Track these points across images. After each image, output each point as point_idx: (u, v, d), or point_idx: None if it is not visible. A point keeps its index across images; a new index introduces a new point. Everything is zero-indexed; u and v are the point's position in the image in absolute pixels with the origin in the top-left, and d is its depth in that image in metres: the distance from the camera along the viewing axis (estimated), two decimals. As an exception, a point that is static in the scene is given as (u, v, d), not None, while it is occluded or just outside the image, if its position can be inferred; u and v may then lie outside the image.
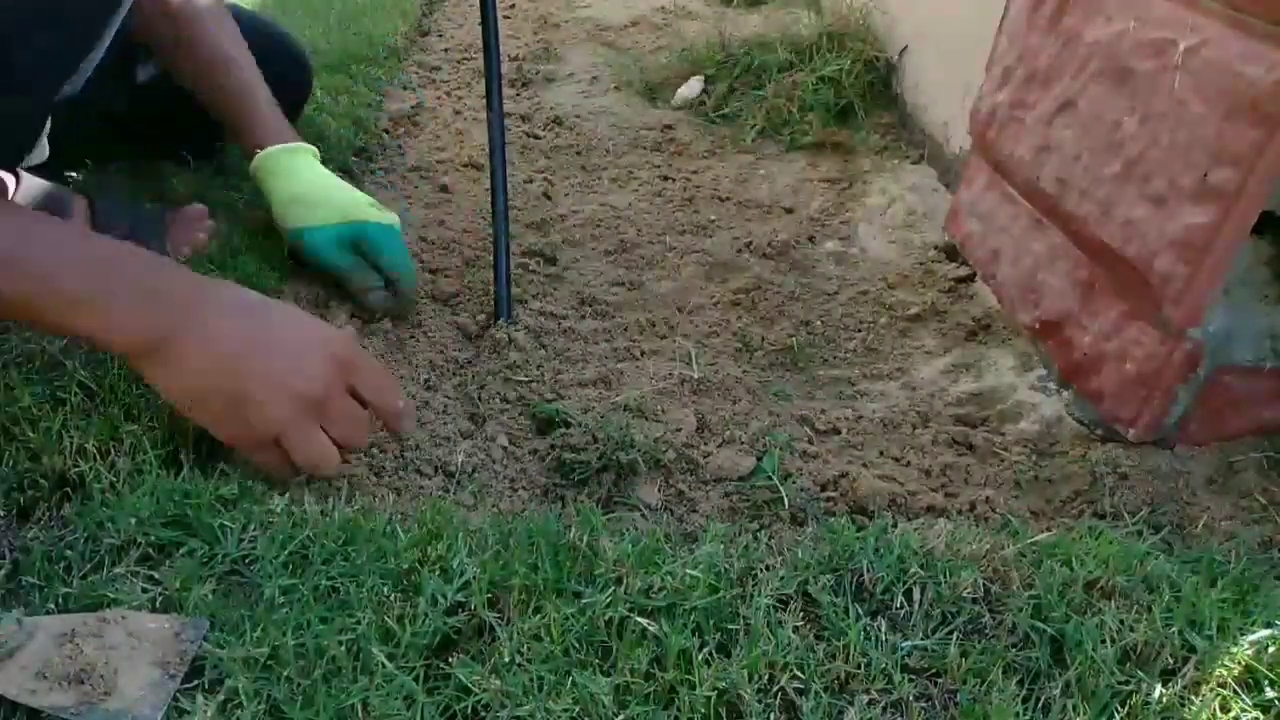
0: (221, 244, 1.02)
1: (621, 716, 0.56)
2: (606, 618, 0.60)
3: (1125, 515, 0.79)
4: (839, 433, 0.94)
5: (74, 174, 1.09)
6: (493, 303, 1.01)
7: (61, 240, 0.65)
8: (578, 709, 0.56)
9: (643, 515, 0.80)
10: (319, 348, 0.70)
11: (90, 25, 0.77)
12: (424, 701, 0.56)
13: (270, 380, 0.67)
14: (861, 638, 0.60)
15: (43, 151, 0.94)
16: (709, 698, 0.56)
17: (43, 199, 0.94)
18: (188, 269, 0.71)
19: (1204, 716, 0.57)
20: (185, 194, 1.13)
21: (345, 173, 1.27)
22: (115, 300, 0.65)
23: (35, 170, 0.97)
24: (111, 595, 0.62)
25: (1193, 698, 0.58)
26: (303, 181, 0.99)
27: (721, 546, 0.67)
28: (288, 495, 0.72)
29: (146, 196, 1.10)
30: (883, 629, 0.61)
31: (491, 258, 1.02)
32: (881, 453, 0.91)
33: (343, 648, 0.58)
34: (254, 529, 0.67)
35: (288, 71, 1.20)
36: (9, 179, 0.92)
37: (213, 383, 0.67)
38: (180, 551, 0.65)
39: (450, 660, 0.59)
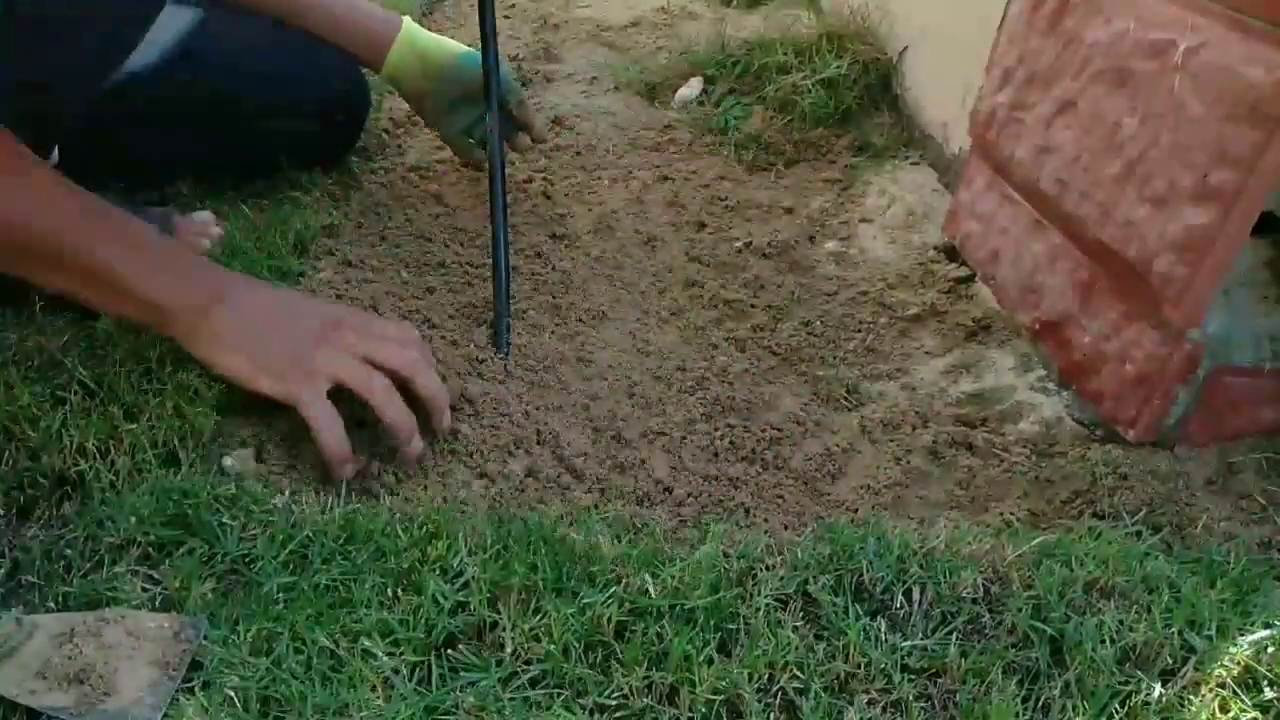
0: (225, 244, 1.01)
1: (622, 716, 0.56)
2: (606, 617, 0.60)
3: (1125, 516, 0.79)
4: (836, 432, 0.94)
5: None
6: (493, 310, 1.01)
7: (105, 224, 0.73)
8: (578, 709, 0.56)
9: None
10: (337, 312, 0.80)
11: (133, 24, 0.79)
12: (426, 701, 0.56)
13: (314, 332, 0.75)
14: (861, 638, 0.60)
15: (54, 156, 0.95)
16: (709, 698, 0.56)
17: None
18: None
19: (1203, 717, 0.57)
20: (190, 196, 1.13)
21: (346, 172, 1.27)
22: (154, 276, 0.73)
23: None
24: (111, 594, 0.62)
25: (1192, 698, 0.58)
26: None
27: (721, 546, 0.68)
28: (288, 494, 0.72)
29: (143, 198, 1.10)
30: (883, 629, 0.61)
31: (490, 261, 1.03)
32: (881, 453, 0.91)
33: (343, 647, 0.59)
34: (254, 528, 0.67)
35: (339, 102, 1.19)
36: None
37: (263, 342, 0.73)
38: (180, 551, 0.66)
39: (451, 660, 0.59)
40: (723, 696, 0.56)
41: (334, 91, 1.19)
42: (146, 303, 0.73)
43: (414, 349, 0.79)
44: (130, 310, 0.74)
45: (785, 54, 1.60)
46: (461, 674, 0.58)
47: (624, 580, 0.63)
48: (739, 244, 1.25)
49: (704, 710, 0.56)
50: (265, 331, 0.74)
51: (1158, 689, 0.58)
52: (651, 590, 0.62)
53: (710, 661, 0.58)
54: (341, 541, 0.66)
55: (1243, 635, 0.62)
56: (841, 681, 0.58)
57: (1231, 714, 0.58)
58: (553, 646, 0.58)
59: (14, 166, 0.71)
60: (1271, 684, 0.59)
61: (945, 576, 0.64)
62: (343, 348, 0.74)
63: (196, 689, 0.56)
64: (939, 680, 0.59)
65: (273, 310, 0.76)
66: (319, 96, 1.17)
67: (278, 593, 0.63)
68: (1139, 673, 0.59)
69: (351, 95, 1.21)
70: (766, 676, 0.58)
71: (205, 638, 0.59)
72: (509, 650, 0.59)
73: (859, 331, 1.09)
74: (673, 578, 0.63)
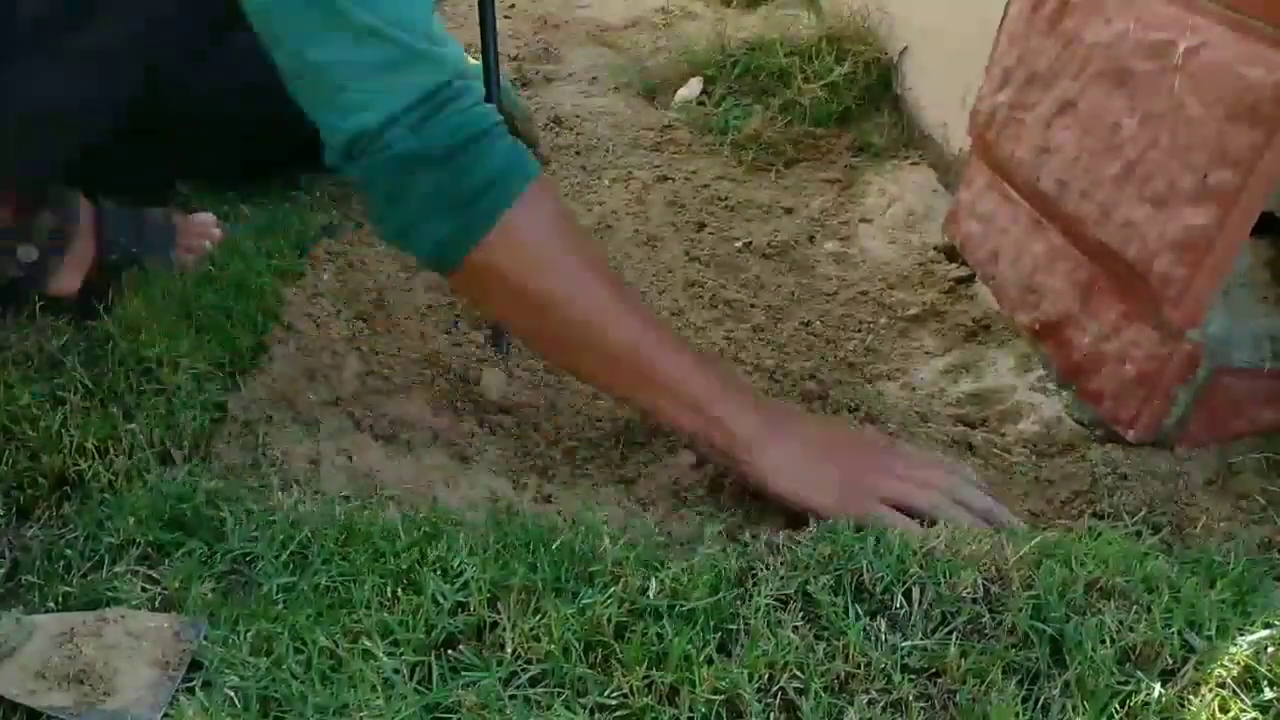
0: (227, 245, 1.01)
1: (622, 716, 0.56)
2: (606, 617, 0.60)
3: (1125, 516, 0.79)
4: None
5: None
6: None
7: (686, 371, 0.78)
8: (579, 708, 0.56)
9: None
10: (870, 442, 0.85)
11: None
12: (425, 701, 0.56)
13: (862, 460, 0.79)
14: (861, 638, 0.60)
15: None
16: (709, 698, 0.56)
17: (49, 201, 0.93)
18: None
19: (1203, 717, 0.57)
20: (190, 196, 1.13)
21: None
22: (729, 407, 0.78)
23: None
24: (111, 594, 0.62)
25: (1192, 698, 0.58)
26: None
27: (721, 547, 0.68)
28: (288, 494, 0.72)
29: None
30: (883, 629, 0.61)
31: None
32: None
33: (343, 648, 0.59)
34: (254, 528, 0.67)
35: None
36: None
37: (822, 467, 0.77)
38: (180, 551, 0.66)
39: (451, 660, 0.59)
40: (723, 696, 0.56)
41: None
42: (720, 425, 0.77)
43: (952, 473, 0.80)
44: (698, 429, 0.78)
45: (785, 54, 1.60)
46: (462, 674, 0.58)
47: (624, 580, 0.63)
48: (739, 244, 1.25)
49: (704, 710, 0.56)
50: (820, 458, 0.78)
51: (1158, 689, 0.58)
52: (651, 590, 0.62)
53: (710, 661, 0.58)
54: (341, 542, 0.66)
55: (1243, 635, 0.62)
56: (841, 681, 0.58)
57: (1231, 714, 0.58)
58: (553, 646, 0.58)
59: (607, 276, 0.79)
60: (1271, 684, 0.59)
61: (945, 576, 0.64)
62: (888, 473, 0.77)
63: (196, 689, 0.56)
64: (939, 680, 0.59)
65: (822, 440, 0.80)
66: None
67: (278, 593, 0.63)
68: (1139, 673, 0.59)
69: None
70: (766, 676, 0.58)
71: (205, 638, 0.59)
72: (509, 650, 0.59)
73: (859, 331, 1.09)
74: (673, 578, 0.63)
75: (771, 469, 0.77)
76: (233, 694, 0.55)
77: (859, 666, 0.58)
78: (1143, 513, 0.79)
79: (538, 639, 0.59)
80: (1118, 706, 0.57)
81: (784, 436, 0.78)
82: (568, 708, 0.56)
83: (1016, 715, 0.56)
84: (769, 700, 0.57)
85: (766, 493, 0.77)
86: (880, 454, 0.81)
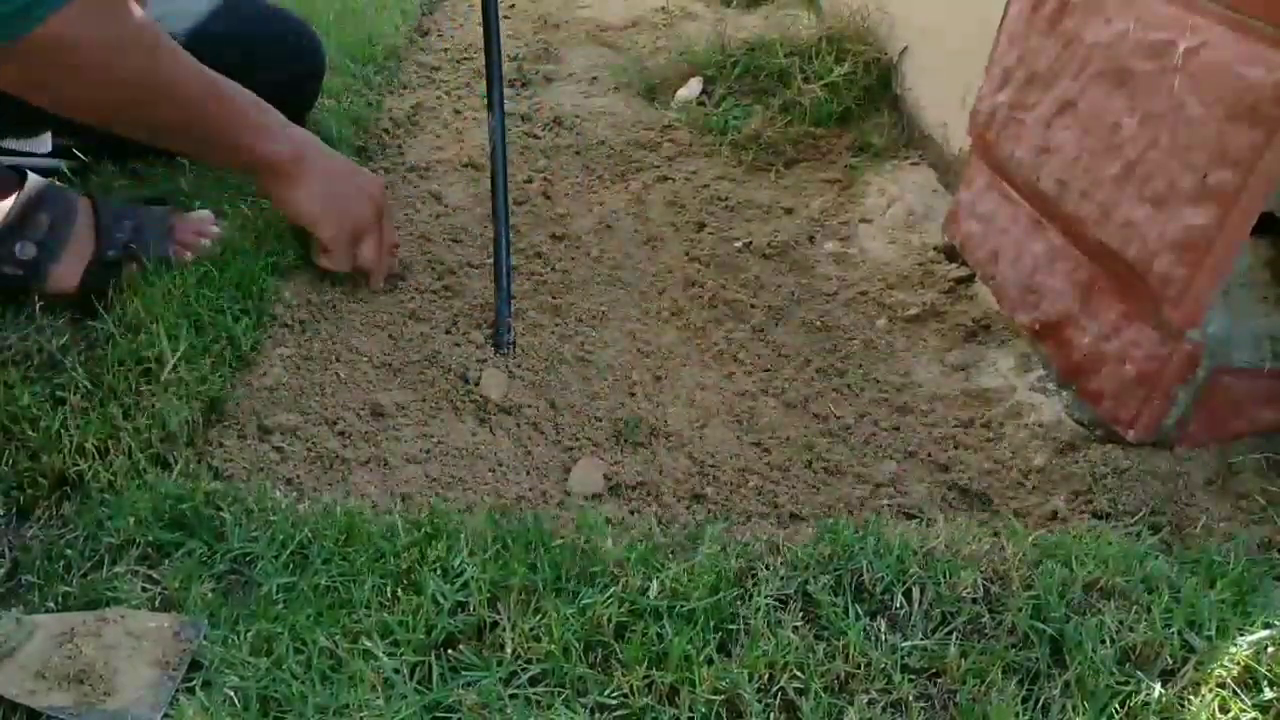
0: (227, 245, 1.01)
1: (622, 716, 0.56)
2: (606, 617, 0.60)
3: (1125, 516, 0.79)
4: (836, 434, 0.94)
5: (71, 165, 1.08)
6: (494, 314, 1.01)
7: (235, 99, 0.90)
8: (579, 708, 0.56)
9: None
10: (374, 185, 1.02)
11: None
12: (425, 700, 0.56)
13: (363, 200, 0.99)
14: (861, 638, 0.60)
15: (45, 143, 0.94)
16: (709, 698, 0.56)
17: (47, 199, 0.93)
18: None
19: (1203, 717, 0.57)
20: (190, 195, 1.13)
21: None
22: (265, 132, 0.92)
23: (42, 170, 0.97)
24: (111, 594, 0.62)
25: (1191, 698, 0.58)
26: None
27: (721, 546, 0.68)
28: (284, 489, 0.72)
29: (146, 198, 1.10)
30: (883, 629, 0.61)
31: (490, 261, 1.03)
32: (879, 453, 0.91)
33: (343, 648, 0.59)
34: (254, 528, 0.67)
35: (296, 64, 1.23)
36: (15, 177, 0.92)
37: (329, 199, 0.96)
38: (180, 551, 0.66)
39: (452, 659, 0.59)
40: (723, 696, 0.56)
41: (298, 49, 1.23)
42: (252, 155, 0.91)
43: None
44: (231, 162, 0.95)
45: (785, 54, 1.60)
46: (462, 674, 0.58)
47: (624, 580, 0.63)
48: (739, 244, 1.25)
49: (704, 710, 0.56)
50: (334, 196, 0.97)
51: (1158, 689, 0.58)
52: (651, 590, 0.62)
53: (710, 661, 0.58)
54: (341, 542, 0.66)
55: (1243, 635, 0.62)
56: (841, 681, 0.58)
57: (1231, 714, 0.58)
58: (553, 646, 0.58)
59: (162, 39, 0.83)
60: (1271, 684, 0.59)
61: (945, 576, 0.64)
62: (378, 238, 1.01)
63: (196, 689, 0.56)
64: (939, 680, 0.59)
65: (340, 179, 0.98)
66: (284, 55, 1.21)
67: (277, 593, 0.63)
68: (1139, 673, 0.59)
69: (315, 50, 1.27)
70: (766, 676, 0.58)
71: (205, 638, 0.59)
72: (509, 650, 0.59)
73: (859, 331, 1.09)
74: (673, 578, 0.63)
75: (293, 199, 0.94)
76: (233, 694, 0.55)
77: (859, 666, 0.59)
78: (1143, 513, 0.79)
79: (538, 639, 0.59)
80: (1118, 706, 0.57)
81: (312, 166, 0.94)
82: (568, 707, 0.56)
83: (1016, 715, 0.56)
84: (769, 700, 0.57)
85: (286, 214, 0.97)
86: (378, 219, 1.00)
